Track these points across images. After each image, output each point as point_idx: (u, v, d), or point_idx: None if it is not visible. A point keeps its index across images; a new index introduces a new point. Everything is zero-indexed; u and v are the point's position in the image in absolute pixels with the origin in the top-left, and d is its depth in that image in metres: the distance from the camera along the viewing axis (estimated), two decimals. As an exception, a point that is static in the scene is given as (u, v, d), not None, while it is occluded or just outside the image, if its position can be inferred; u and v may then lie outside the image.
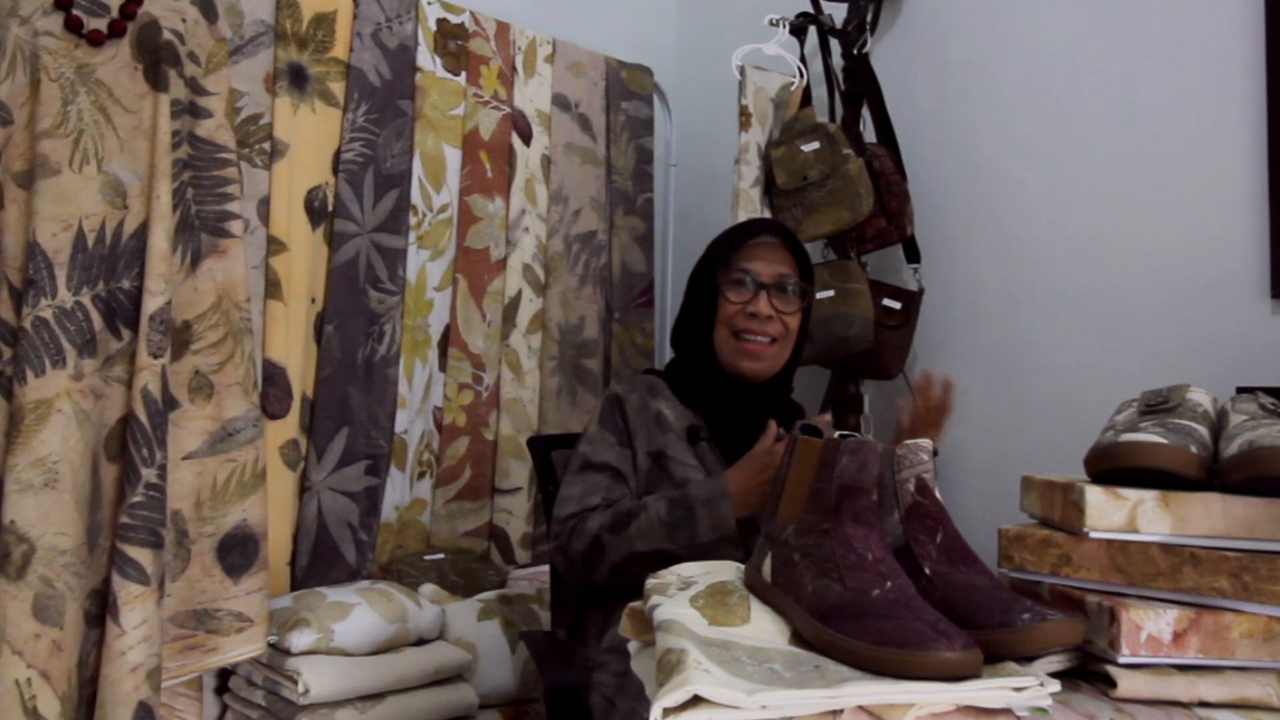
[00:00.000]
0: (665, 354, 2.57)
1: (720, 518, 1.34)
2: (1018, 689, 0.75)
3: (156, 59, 1.46)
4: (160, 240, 1.43)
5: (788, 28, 2.14)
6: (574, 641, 1.51)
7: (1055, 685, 0.76)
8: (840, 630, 0.79)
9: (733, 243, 1.56)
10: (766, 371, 1.53)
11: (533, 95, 2.32)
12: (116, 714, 1.33)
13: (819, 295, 1.96)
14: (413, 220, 2.09)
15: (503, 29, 2.27)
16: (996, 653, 0.81)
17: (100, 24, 1.44)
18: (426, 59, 2.12)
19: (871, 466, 0.88)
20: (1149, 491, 0.91)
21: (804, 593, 0.85)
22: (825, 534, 0.87)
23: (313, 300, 1.93)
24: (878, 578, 0.82)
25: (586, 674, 1.41)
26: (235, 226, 1.55)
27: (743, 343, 1.51)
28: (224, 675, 1.74)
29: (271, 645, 1.60)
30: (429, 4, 2.13)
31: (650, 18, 2.82)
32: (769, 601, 0.91)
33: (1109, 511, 0.91)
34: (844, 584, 0.82)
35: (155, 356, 1.40)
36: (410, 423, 2.08)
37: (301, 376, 1.89)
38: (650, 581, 0.99)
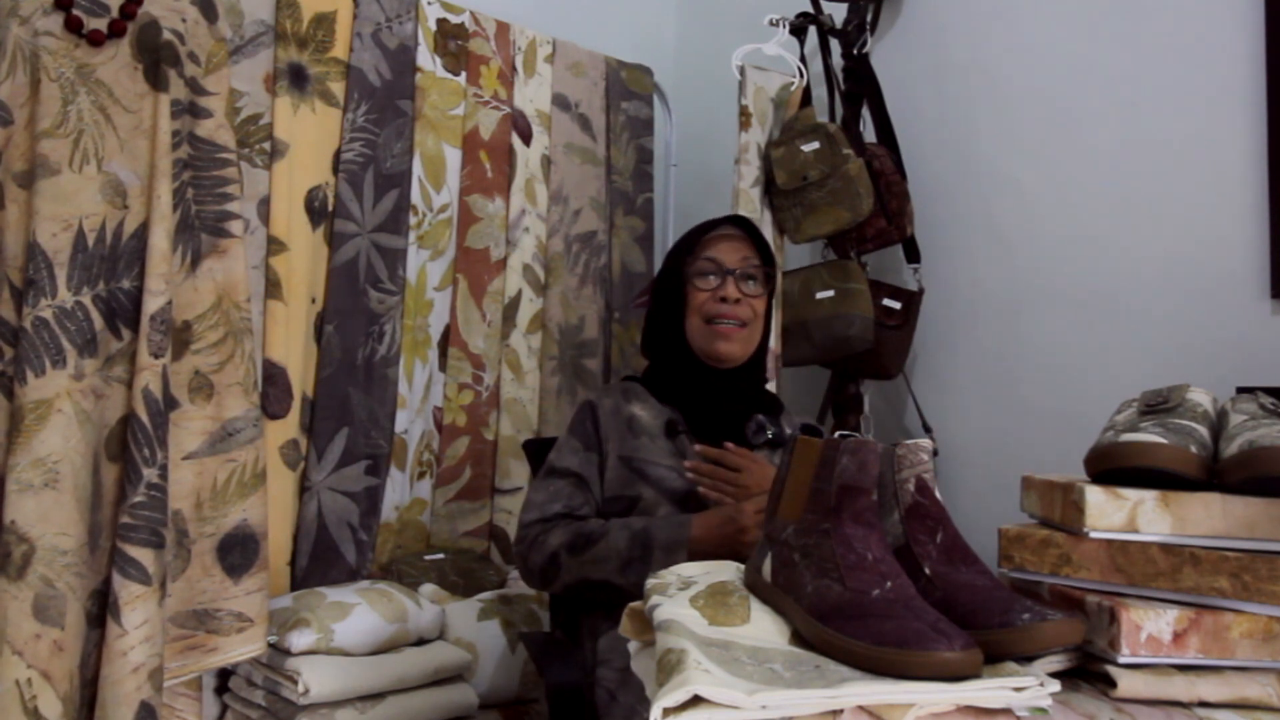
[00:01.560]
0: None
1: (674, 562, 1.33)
2: (1018, 689, 0.75)
3: (156, 59, 1.46)
4: (160, 240, 1.43)
5: (788, 28, 2.14)
6: (571, 641, 1.52)
7: (1055, 685, 0.76)
8: (840, 630, 0.79)
9: (695, 237, 1.63)
10: (740, 354, 1.57)
11: (533, 95, 2.32)
12: (118, 714, 1.33)
13: (819, 295, 1.96)
14: (413, 220, 2.09)
15: (503, 29, 2.27)
16: (996, 653, 0.81)
17: (100, 24, 1.44)
18: (426, 59, 2.12)
19: (871, 466, 0.88)
20: (1149, 491, 0.91)
21: (804, 593, 0.85)
22: (825, 534, 0.87)
23: (313, 300, 1.93)
24: (878, 578, 0.82)
25: (589, 671, 1.41)
26: (235, 226, 1.55)
27: (715, 327, 1.55)
28: (224, 675, 1.74)
29: (271, 645, 1.60)
30: (429, 4, 2.13)
31: (650, 18, 2.82)
32: (769, 601, 0.91)
33: (1109, 511, 0.91)
34: (844, 584, 0.82)
35: (156, 356, 1.40)
36: (410, 423, 2.08)
37: (301, 376, 1.89)
38: (650, 581, 0.99)
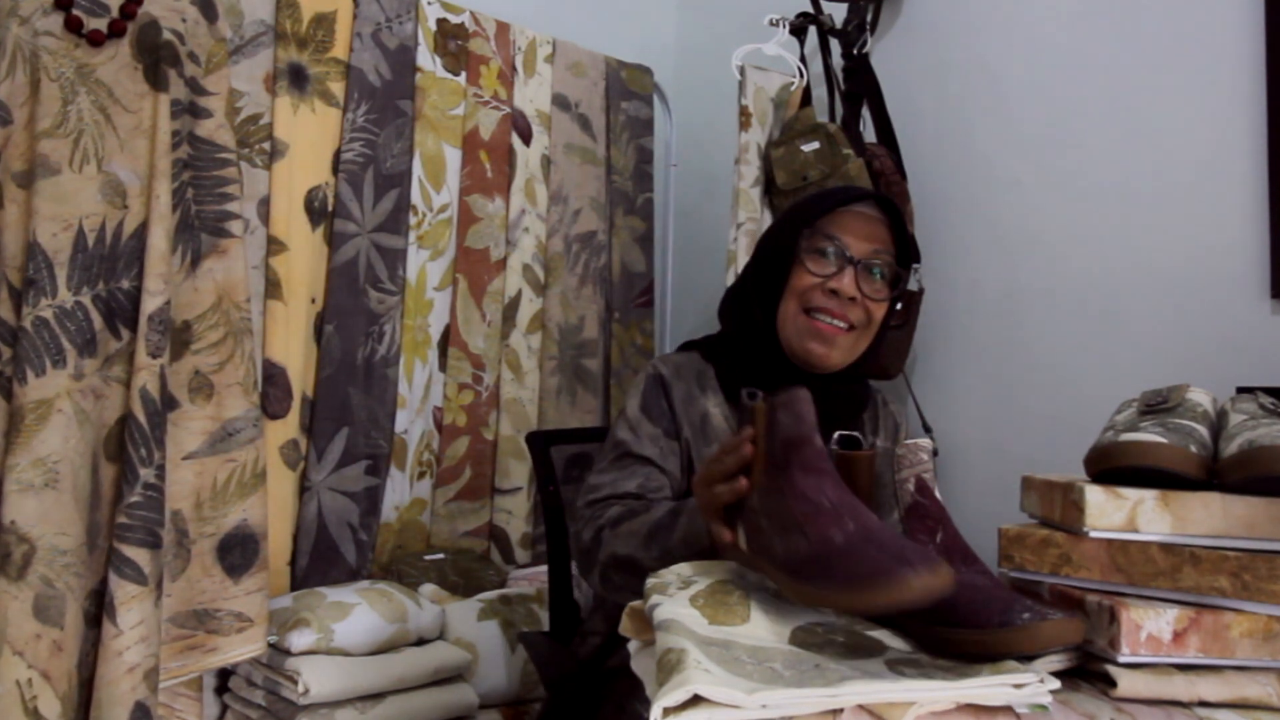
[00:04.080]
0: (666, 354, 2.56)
1: (695, 529, 1.06)
2: (1018, 685, 0.75)
3: (156, 59, 1.47)
4: (160, 240, 1.43)
5: (788, 28, 2.14)
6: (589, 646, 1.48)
7: (1055, 683, 0.76)
8: (813, 581, 0.79)
9: (824, 205, 1.30)
10: (838, 362, 1.29)
11: (533, 95, 2.32)
12: (113, 714, 1.33)
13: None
14: (413, 220, 2.09)
15: (503, 29, 2.27)
16: (996, 652, 0.81)
17: (100, 24, 1.44)
18: (426, 59, 2.12)
19: (807, 414, 0.88)
20: (1149, 491, 0.91)
21: (776, 555, 0.85)
22: (780, 492, 0.86)
23: (313, 300, 1.93)
24: (838, 520, 0.82)
25: (600, 681, 1.39)
26: (235, 226, 1.55)
27: (814, 321, 1.27)
28: (224, 675, 1.74)
29: (271, 645, 1.60)
30: (429, 4, 2.13)
31: (650, 18, 2.82)
32: (751, 567, 0.91)
33: (1109, 511, 0.91)
34: (807, 536, 0.82)
35: (154, 356, 1.40)
36: (410, 423, 2.08)
37: (301, 376, 1.89)
38: (650, 581, 0.98)
